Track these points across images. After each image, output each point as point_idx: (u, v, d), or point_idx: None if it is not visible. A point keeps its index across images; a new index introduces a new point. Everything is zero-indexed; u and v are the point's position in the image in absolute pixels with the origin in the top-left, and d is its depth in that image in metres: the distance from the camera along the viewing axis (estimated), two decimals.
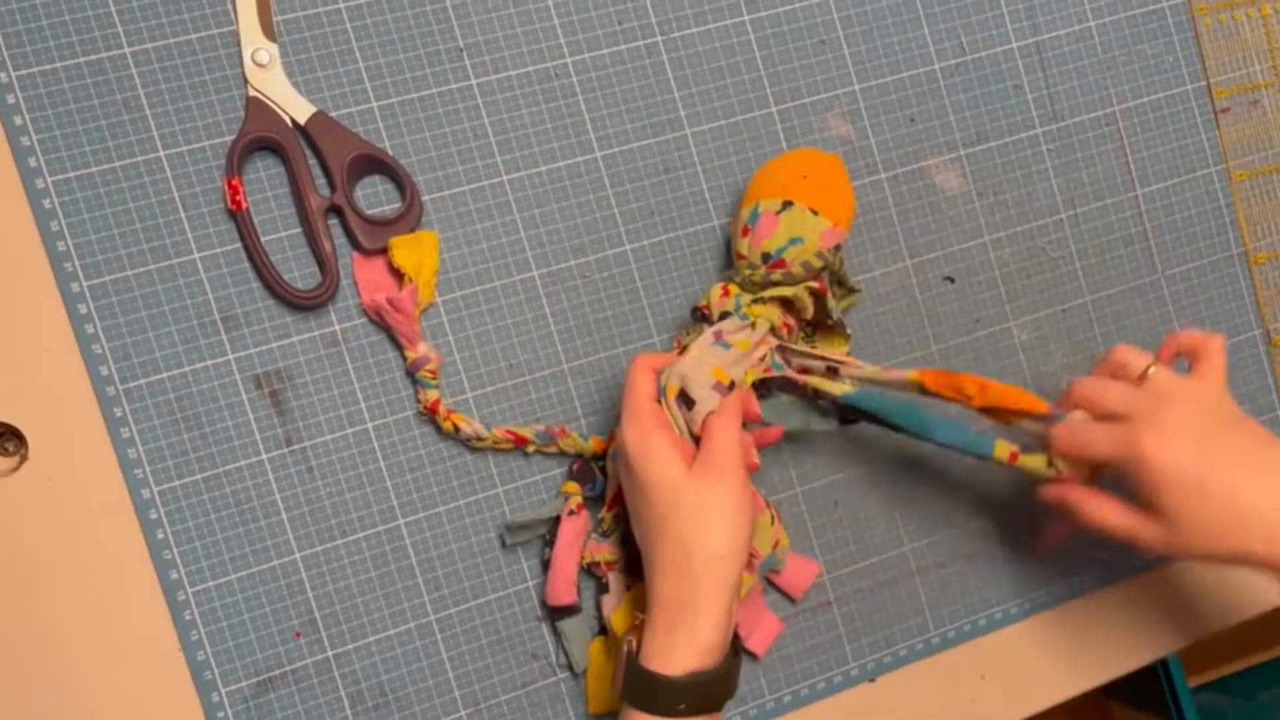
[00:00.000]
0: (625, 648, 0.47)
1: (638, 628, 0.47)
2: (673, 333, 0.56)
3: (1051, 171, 0.62)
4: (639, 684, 0.45)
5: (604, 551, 0.53)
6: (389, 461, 0.53)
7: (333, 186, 0.51)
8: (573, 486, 0.53)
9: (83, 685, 0.49)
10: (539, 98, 0.55)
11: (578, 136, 0.55)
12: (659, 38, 0.56)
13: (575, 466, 0.54)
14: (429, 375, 0.52)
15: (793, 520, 0.58)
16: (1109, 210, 0.62)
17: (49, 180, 0.49)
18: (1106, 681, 0.61)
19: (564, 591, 0.52)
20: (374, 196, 0.53)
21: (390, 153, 0.52)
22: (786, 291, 0.52)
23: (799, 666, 0.57)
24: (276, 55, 0.51)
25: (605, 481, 0.54)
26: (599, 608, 0.54)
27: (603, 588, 0.54)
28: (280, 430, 0.52)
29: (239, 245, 0.51)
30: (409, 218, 0.52)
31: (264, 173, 0.51)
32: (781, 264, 0.52)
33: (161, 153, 0.51)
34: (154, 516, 0.50)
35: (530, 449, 0.53)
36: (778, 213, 0.52)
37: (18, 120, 0.49)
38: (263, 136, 0.50)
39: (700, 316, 0.53)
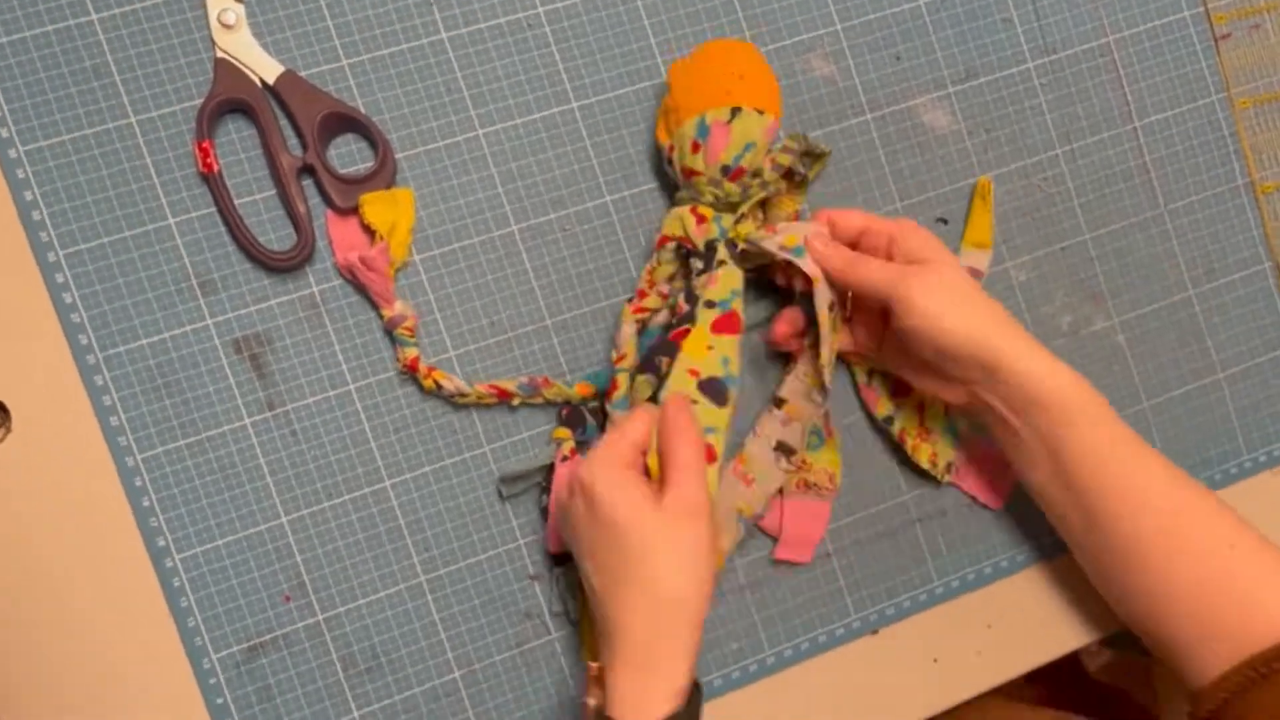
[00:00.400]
0: (591, 702, 0.45)
1: (597, 680, 0.45)
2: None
3: (1045, 106, 0.60)
4: None
5: None
6: (373, 423, 0.52)
7: (305, 146, 0.50)
8: (564, 432, 0.53)
9: (72, 655, 0.49)
10: (512, 49, 0.54)
11: (553, 87, 0.54)
12: None
13: (564, 412, 0.53)
14: (406, 333, 0.51)
15: None
16: (1106, 144, 0.60)
17: (21, 150, 0.49)
18: (1115, 632, 0.59)
19: (556, 537, 0.52)
20: (347, 155, 0.52)
21: (362, 110, 0.52)
22: (763, 195, 0.52)
23: (799, 620, 0.56)
24: (243, 15, 0.50)
25: (596, 426, 0.53)
26: None
27: None
28: (262, 394, 0.51)
29: (213, 209, 0.51)
30: (383, 175, 0.51)
31: (235, 135, 0.51)
32: (740, 172, 0.51)
33: (132, 118, 0.50)
34: (139, 484, 0.50)
35: (515, 402, 0.53)
36: (728, 122, 0.50)
37: None
38: (232, 98, 0.50)
39: (687, 253, 0.52)
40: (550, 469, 0.53)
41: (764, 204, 0.55)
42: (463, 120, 0.53)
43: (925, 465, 0.56)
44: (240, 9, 0.50)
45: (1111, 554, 0.50)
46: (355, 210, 0.51)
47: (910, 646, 0.57)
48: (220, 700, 0.50)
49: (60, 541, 0.49)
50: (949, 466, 0.57)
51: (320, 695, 0.51)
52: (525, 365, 0.54)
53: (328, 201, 0.51)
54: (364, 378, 0.52)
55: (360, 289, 0.52)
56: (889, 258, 0.51)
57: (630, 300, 0.53)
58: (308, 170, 0.51)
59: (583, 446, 0.53)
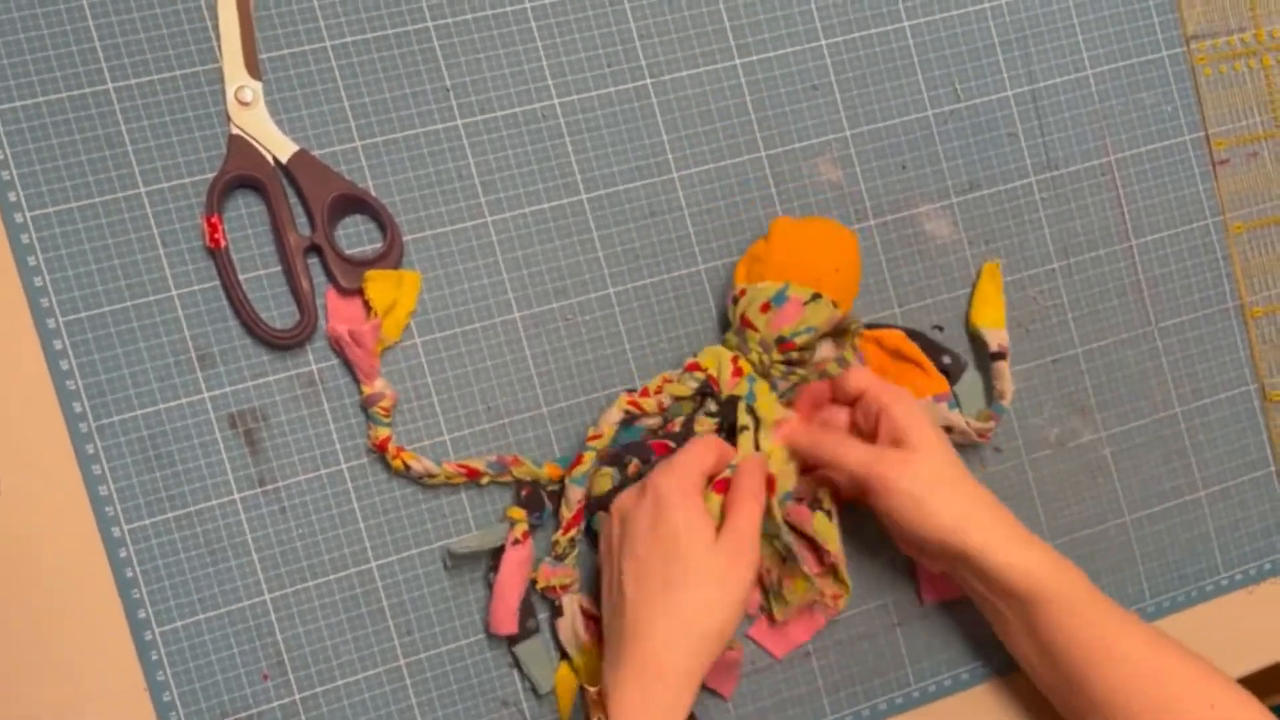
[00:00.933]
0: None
1: (597, 704, 0.46)
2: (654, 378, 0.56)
3: (1045, 220, 0.61)
4: None
5: (559, 575, 0.52)
6: (363, 503, 0.52)
7: (313, 225, 0.51)
8: (519, 513, 0.52)
9: None
10: (525, 138, 0.54)
11: (563, 178, 0.55)
12: (648, 80, 0.56)
13: (524, 493, 0.53)
14: (381, 412, 0.51)
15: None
16: (1103, 260, 0.62)
17: (28, 215, 0.49)
18: None
19: (505, 621, 0.52)
20: (355, 236, 0.53)
21: (373, 192, 0.52)
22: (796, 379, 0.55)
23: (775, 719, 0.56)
24: (260, 93, 0.50)
25: (553, 511, 0.53)
26: (554, 631, 0.53)
27: (557, 611, 0.53)
28: (254, 470, 0.51)
29: (216, 283, 0.51)
30: (389, 258, 0.51)
31: (244, 210, 0.51)
32: (792, 346, 0.53)
33: (142, 189, 0.50)
34: (123, 555, 0.50)
35: (484, 480, 0.53)
36: (805, 303, 0.52)
37: None
38: (243, 175, 0.50)
39: (708, 391, 0.54)
40: (500, 550, 0.53)
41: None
42: (472, 207, 0.54)
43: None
44: (258, 86, 0.50)
45: (1096, 716, 0.50)
46: (360, 288, 0.51)
47: None
48: None
49: (39, 608, 0.49)
50: None
51: None
52: (519, 451, 0.54)
53: (333, 281, 0.51)
54: (357, 458, 0.52)
55: (346, 363, 0.52)
56: (876, 427, 0.52)
57: (630, 391, 0.54)
58: (314, 249, 0.51)
59: (535, 530, 0.53)
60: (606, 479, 0.52)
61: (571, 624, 0.53)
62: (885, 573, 0.58)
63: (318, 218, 0.50)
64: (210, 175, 0.51)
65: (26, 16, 0.49)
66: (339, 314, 0.52)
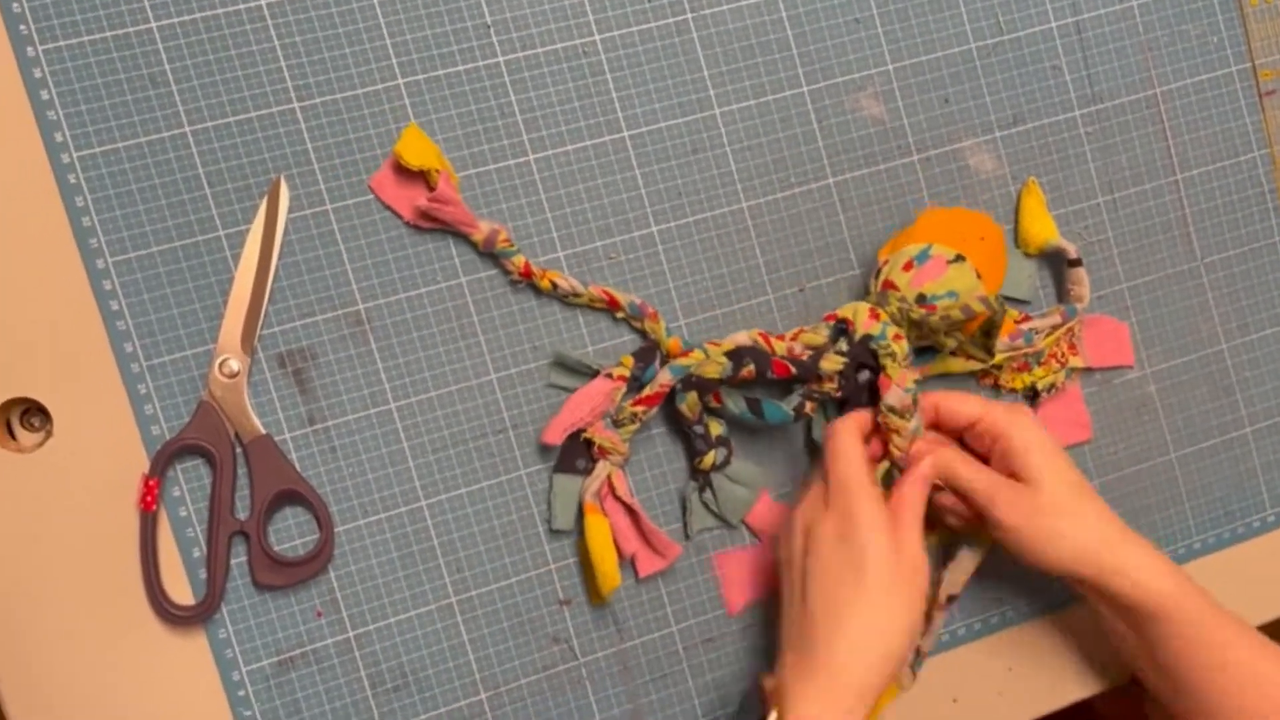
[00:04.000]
0: (773, 718, 0.46)
1: (777, 693, 0.47)
2: (699, 316, 0.55)
3: (1089, 155, 0.60)
4: None
5: (608, 438, 0.52)
6: (412, 443, 0.53)
7: (251, 510, 0.50)
8: (629, 360, 0.53)
9: (101, 662, 0.49)
10: (566, 75, 0.54)
11: (605, 115, 0.54)
12: (689, 14, 0.55)
13: (644, 346, 0.54)
14: (506, 244, 0.52)
15: None
16: (1148, 195, 0.61)
17: (74, 155, 0.49)
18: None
19: (556, 432, 0.52)
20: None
21: (317, 491, 0.51)
22: (945, 342, 0.55)
23: None
24: (246, 371, 0.50)
25: (655, 376, 0.53)
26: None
27: (588, 470, 0.53)
28: (304, 409, 0.51)
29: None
30: (316, 563, 0.50)
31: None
32: (933, 309, 0.52)
33: (187, 128, 0.50)
34: (176, 494, 0.50)
35: (620, 314, 0.54)
36: (949, 261, 0.53)
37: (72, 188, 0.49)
38: (199, 446, 0.49)
39: (841, 331, 0.54)
40: (595, 373, 0.53)
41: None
42: (515, 145, 0.53)
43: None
44: (245, 363, 0.49)
45: (1199, 715, 0.51)
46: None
47: (930, 688, 0.57)
48: (249, 713, 0.50)
49: (96, 548, 0.49)
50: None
51: (347, 712, 0.52)
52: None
53: (252, 571, 0.50)
54: (405, 397, 0.52)
55: (439, 229, 0.52)
56: (991, 451, 0.52)
57: (764, 333, 0.54)
58: (243, 535, 0.50)
59: (635, 383, 0.53)
60: (717, 367, 0.51)
61: (592, 486, 0.52)
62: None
63: (257, 506, 0.49)
64: (245, 115, 0.50)
65: None
66: (399, 198, 0.51)
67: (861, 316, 0.53)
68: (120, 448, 0.50)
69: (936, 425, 0.54)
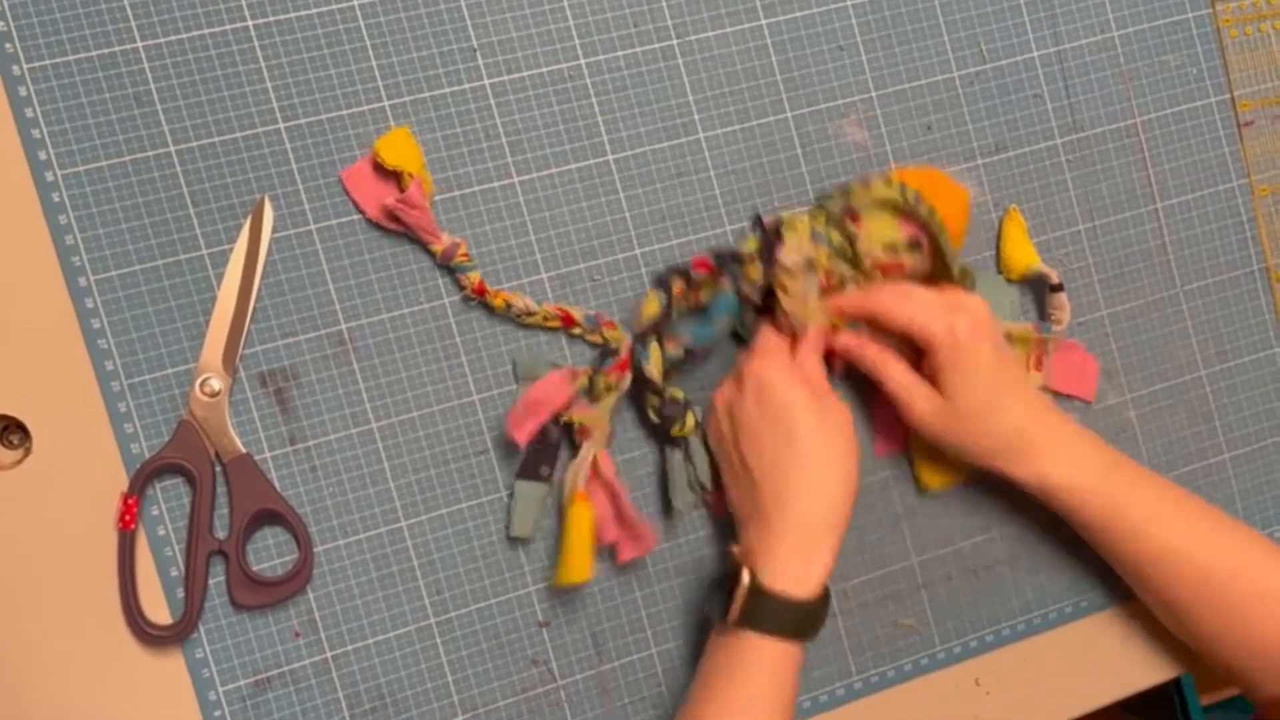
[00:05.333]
0: (745, 576, 0.48)
1: (746, 554, 0.49)
2: None
3: (1071, 183, 0.61)
4: (770, 609, 0.47)
5: (587, 414, 0.52)
6: (393, 462, 0.53)
7: (230, 530, 0.50)
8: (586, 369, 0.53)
9: (77, 681, 0.49)
10: (552, 99, 0.54)
11: (590, 139, 0.55)
12: (674, 40, 0.56)
13: (602, 350, 0.54)
14: (464, 259, 0.52)
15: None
16: (1128, 223, 0.61)
17: (59, 174, 0.49)
18: (1119, 699, 0.60)
19: (520, 427, 0.51)
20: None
21: (296, 510, 0.51)
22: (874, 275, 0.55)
23: (801, 679, 0.56)
24: (227, 391, 0.50)
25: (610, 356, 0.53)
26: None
27: (572, 453, 0.53)
28: (285, 428, 0.51)
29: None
30: (295, 582, 0.50)
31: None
32: (855, 217, 0.54)
33: (171, 148, 0.50)
34: (155, 513, 0.50)
35: (575, 330, 0.54)
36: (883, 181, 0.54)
37: (31, 120, 0.49)
38: (179, 464, 0.49)
39: (755, 220, 0.55)
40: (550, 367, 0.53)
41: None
42: (499, 167, 0.54)
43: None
44: (226, 383, 0.49)
45: (1160, 608, 0.55)
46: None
47: (909, 708, 0.58)
48: None
49: (74, 567, 0.49)
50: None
51: None
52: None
53: (230, 590, 0.50)
54: (386, 417, 0.52)
55: (400, 233, 0.52)
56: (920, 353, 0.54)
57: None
58: (221, 555, 0.50)
59: (587, 385, 0.53)
60: (653, 303, 0.52)
61: (577, 469, 0.52)
62: (911, 535, 0.58)
63: (236, 525, 0.49)
64: (231, 135, 0.51)
65: None
66: (367, 194, 0.51)
67: (781, 214, 0.55)
68: (99, 465, 0.49)
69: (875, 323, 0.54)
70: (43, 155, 0.49)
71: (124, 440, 0.50)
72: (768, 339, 0.53)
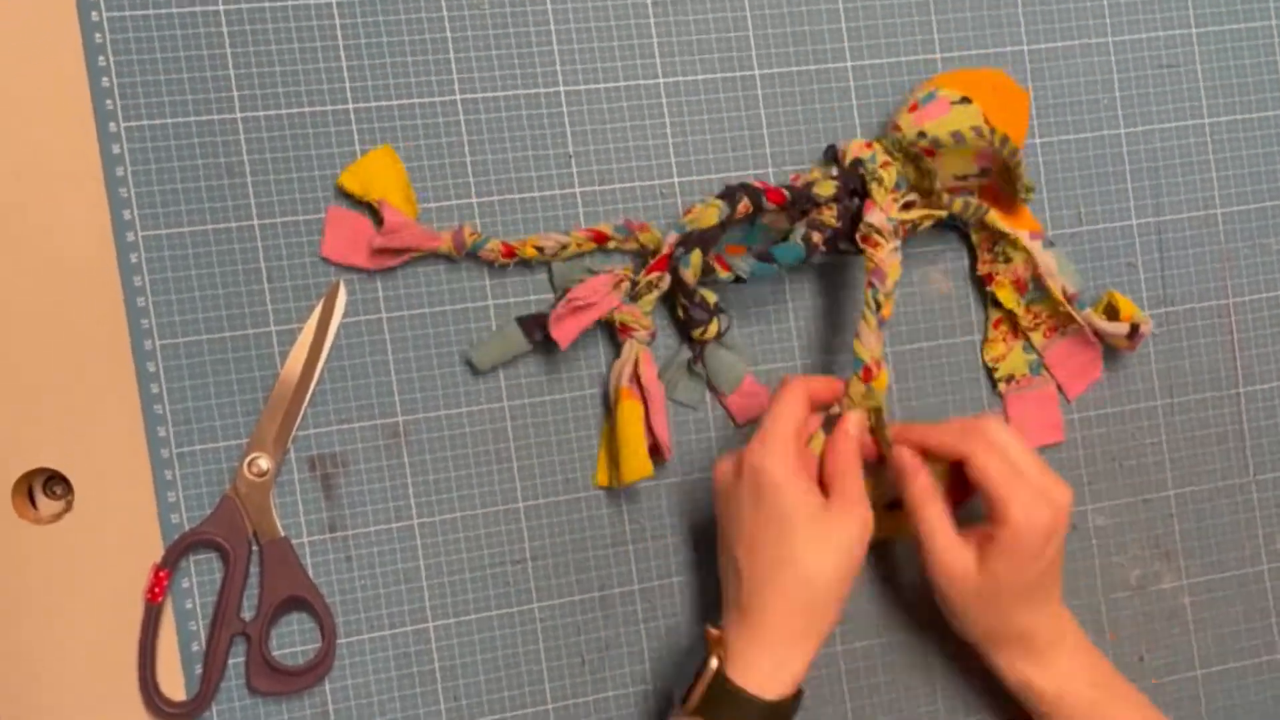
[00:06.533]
0: (714, 663, 0.46)
1: (719, 642, 0.47)
2: None
3: (1153, 355, 0.59)
4: (729, 703, 0.46)
5: (629, 313, 0.51)
6: (428, 561, 0.51)
7: (257, 613, 0.49)
8: (628, 268, 0.52)
9: None
10: (641, 214, 0.53)
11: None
12: (771, 169, 0.55)
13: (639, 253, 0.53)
14: (475, 237, 0.50)
15: (828, 682, 0.55)
16: (1208, 404, 0.59)
17: (139, 235, 0.49)
18: None
19: (565, 330, 0.50)
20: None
21: (325, 599, 0.50)
22: (946, 198, 0.53)
23: None
24: (274, 472, 0.49)
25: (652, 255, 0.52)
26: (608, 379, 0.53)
27: (615, 352, 0.52)
28: (326, 515, 0.50)
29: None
30: (315, 673, 0.49)
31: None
32: (930, 152, 0.51)
33: (255, 221, 0.50)
34: (185, 585, 0.49)
35: (610, 245, 0.52)
36: (954, 103, 0.51)
37: (119, 173, 0.49)
38: (215, 541, 0.48)
39: (832, 156, 0.54)
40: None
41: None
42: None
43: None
44: (275, 463, 0.49)
45: None
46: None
47: None
48: None
49: (97, 632, 0.48)
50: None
51: None
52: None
53: (248, 674, 0.49)
54: (429, 515, 0.51)
55: (407, 258, 0.50)
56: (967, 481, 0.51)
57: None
58: (244, 636, 0.49)
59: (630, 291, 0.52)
60: (714, 212, 0.51)
61: (621, 366, 0.51)
62: (943, 693, 0.56)
63: (264, 610, 0.49)
64: (316, 215, 0.50)
65: (166, 38, 0.49)
66: (352, 251, 0.50)
67: (855, 145, 0.53)
68: (137, 531, 0.49)
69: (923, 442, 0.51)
70: (127, 215, 0.49)
71: (165, 508, 0.49)
72: (776, 424, 0.48)
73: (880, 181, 0.51)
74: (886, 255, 0.50)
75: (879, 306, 0.50)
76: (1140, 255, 0.59)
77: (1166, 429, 0.59)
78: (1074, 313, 0.55)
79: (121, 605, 0.49)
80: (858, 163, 0.52)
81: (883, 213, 0.51)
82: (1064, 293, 0.55)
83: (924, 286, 0.57)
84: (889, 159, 0.52)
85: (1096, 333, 0.56)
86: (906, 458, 0.50)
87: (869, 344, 0.49)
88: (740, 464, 0.48)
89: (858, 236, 0.51)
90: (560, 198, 0.53)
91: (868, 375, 0.49)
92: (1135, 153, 0.59)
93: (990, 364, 0.57)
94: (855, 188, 0.52)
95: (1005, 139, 0.51)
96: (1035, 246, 0.55)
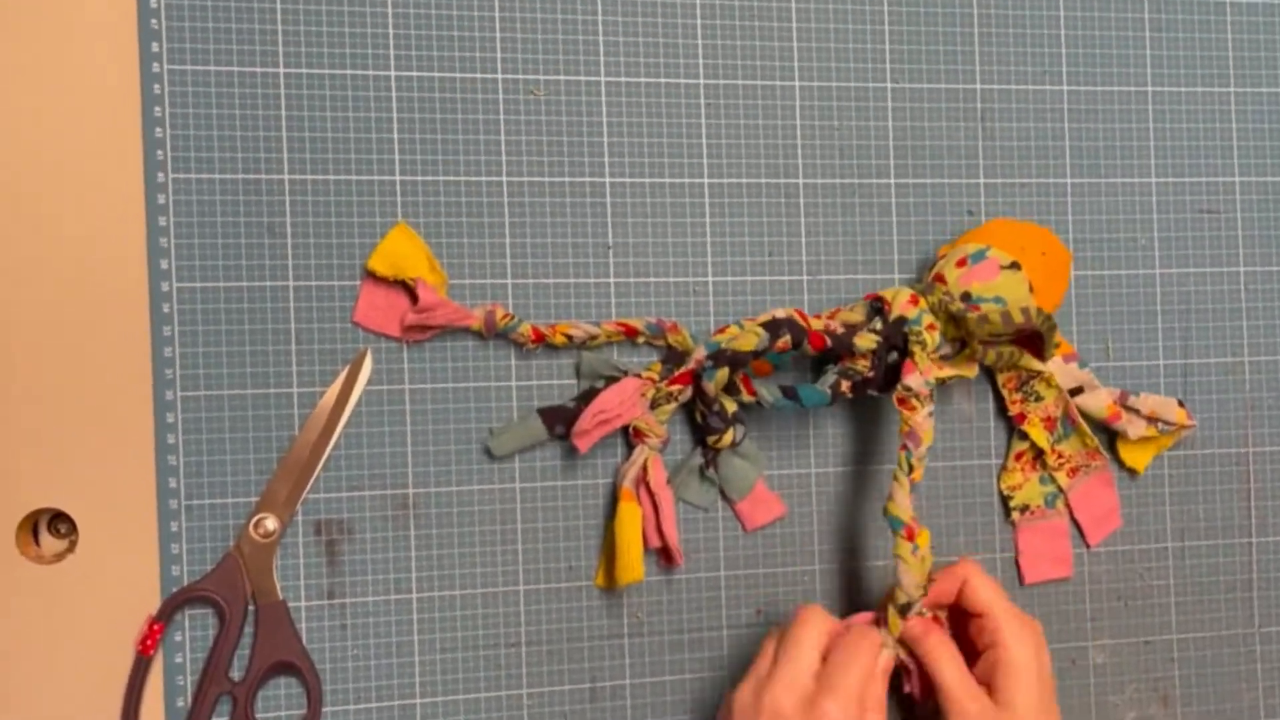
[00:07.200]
0: None
1: None
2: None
3: (1168, 498, 0.59)
4: None
5: (644, 421, 0.51)
6: (423, 637, 0.51)
7: (246, 673, 0.48)
8: (657, 366, 0.52)
9: None
10: (672, 310, 0.54)
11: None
12: (805, 276, 0.55)
13: (669, 353, 0.53)
14: (508, 319, 0.51)
15: None
16: (1219, 551, 0.59)
17: (174, 286, 0.49)
18: None
19: (585, 437, 0.50)
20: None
21: (315, 666, 0.49)
22: (980, 350, 0.53)
23: None
24: (279, 535, 0.49)
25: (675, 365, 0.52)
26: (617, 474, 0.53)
27: (628, 455, 0.53)
28: (326, 581, 0.50)
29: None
30: None
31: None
32: (976, 310, 0.51)
33: (290, 283, 0.50)
34: (177, 639, 0.49)
35: (640, 340, 0.53)
36: (1003, 267, 0.52)
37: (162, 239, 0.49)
38: (212, 598, 0.48)
39: (877, 311, 0.53)
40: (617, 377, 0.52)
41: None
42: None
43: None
44: (281, 525, 0.49)
45: None
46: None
47: None
48: None
49: (84, 678, 0.48)
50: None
51: None
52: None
53: None
54: (429, 590, 0.51)
55: (438, 334, 0.51)
56: (982, 650, 0.50)
57: (800, 310, 0.53)
58: (230, 697, 0.49)
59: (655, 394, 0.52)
60: (753, 337, 0.50)
61: (628, 469, 0.51)
62: None
63: (253, 672, 0.48)
64: (351, 281, 0.50)
65: (223, 95, 0.49)
66: (386, 320, 0.50)
67: (900, 299, 0.52)
68: (136, 581, 0.48)
69: (950, 598, 0.51)
70: (164, 264, 0.49)
71: (167, 560, 0.49)
72: (792, 666, 0.47)
73: (924, 345, 0.51)
74: (922, 419, 0.50)
75: (911, 469, 0.50)
76: (1164, 395, 0.59)
77: (1175, 572, 0.59)
78: (1100, 451, 0.56)
79: (112, 653, 0.48)
80: (902, 320, 0.52)
81: (922, 376, 0.51)
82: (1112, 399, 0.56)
83: (945, 405, 0.57)
84: (934, 321, 0.52)
85: (1151, 417, 0.56)
86: (916, 628, 0.50)
87: (903, 505, 0.49)
88: (759, 700, 0.47)
89: (895, 399, 0.51)
90: (594, 286, 0.53)
91: (910, 535, 0.49)
92: (1169, 294, 0.59)
93: (1006, 492, 0.57)
94: (895, 344, 0.52)
95: (1048, 318, 0.51)
96: (1071, 368, 0.55)
